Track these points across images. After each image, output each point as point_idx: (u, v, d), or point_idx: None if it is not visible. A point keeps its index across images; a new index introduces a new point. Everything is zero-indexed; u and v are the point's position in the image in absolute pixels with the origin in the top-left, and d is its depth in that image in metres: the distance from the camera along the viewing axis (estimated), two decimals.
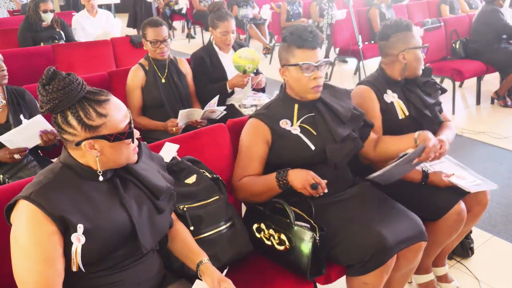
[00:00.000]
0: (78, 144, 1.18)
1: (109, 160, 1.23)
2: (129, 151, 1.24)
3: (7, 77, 2.18)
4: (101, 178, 1.23)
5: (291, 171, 1.66)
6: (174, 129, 2.55)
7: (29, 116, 2.21)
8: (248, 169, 1.77)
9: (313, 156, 1.75)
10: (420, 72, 2.10)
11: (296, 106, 1.81)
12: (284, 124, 1.78)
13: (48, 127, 2.11)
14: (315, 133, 1.77)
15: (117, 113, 1.21)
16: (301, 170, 1.66)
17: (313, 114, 1.81)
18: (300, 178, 1.63)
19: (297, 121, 1.79)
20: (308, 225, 1.63)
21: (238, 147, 1.83)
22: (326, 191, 1.64)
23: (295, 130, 1.77)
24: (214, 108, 2.60)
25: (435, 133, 2.16)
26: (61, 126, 1.18)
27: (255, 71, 3.08)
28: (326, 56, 5.67)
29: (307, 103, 1.82)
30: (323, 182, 1.63)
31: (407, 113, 2.08)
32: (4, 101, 2.16)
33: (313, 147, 1.75)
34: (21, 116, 2.16)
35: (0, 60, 2.16)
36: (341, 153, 1.78)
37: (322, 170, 1.76)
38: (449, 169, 2.01)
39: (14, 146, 2.09)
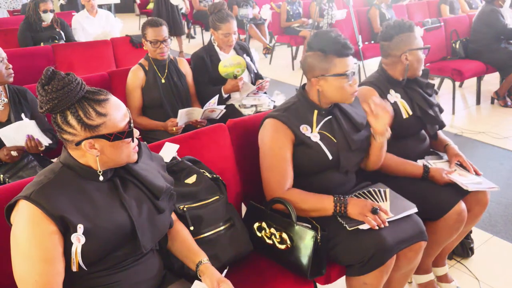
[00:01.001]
0: (78, 144, 1.18)
1: (109, 160, 1.23)
2: (129, 150, 1.24)
3: (13, 74, 2.20)
4: (101, 178, 1.23)
5: (351, 199, 1.67)
6: (174, 128, 2.55)
7: (31, 115, 2.22)
8: (288, 174, 1.72)
9: (329, 164, 1.75)
10: (420, 72, 2.11)
11: (316, 112, 1.78)
12: (305, 130, 1.74)
13: (35, 135, 2.09)
14: (335, 140, 1.76)
15: (117, 112, 1.21)
16: (360, 199, 1.69)
17: (330, 117, 1.79)
18: (358, 206, 1.63)
19: (316, 127, 1.77)
20: (309, 225, 1.63)
21: (263, 151, 1.76)
22: (390, 215, 1.64)
23: (315, 137, 1.74)
24: (214, 107, 2.60)
25: (435, 133, 2.18)
26: (60, 126, 1.18)
27: (256, 71, 3.08)
28: None
29: (324, 109, 1.79)
30: (382, 207, 1.64)
31: (411, 113, 2.08)
32: (6, 99, 2.17)
33: (330, 157, 1.74)
34: (22, 115, 2.17)
35: (5, 58, 2.18)
36: (354, 160, 1.78)
37: (333, 175, 1.78)
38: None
39: (11, 143, 2.09)
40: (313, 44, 1.73)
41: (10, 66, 2.19)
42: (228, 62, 2.77)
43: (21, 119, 2.15)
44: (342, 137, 1.77)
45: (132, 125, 1.24)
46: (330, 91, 1.72)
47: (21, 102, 2.21)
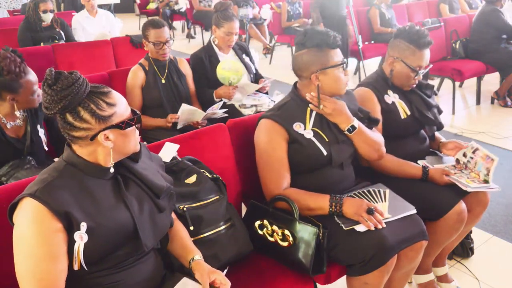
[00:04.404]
0: (93, 138, 1.20)
1: (120, 151, 1.25)
2: (135, 138, 1.29)
3: (40, 101, 2.06)
4: (112, 170, 1.26)
5: (347, 199, 1.67)
6: (173, 120, 2.57)
7: (45, 121, 2.19)
8: (284, 174, 1.74)
9: (324, 160, 1.76)
10: (406, 88, 2.08)
11: (309, 109, 1.80)
12: (298, 127, 1.76)
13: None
14: (327, 139, 1.77)
15: (121, 102, 1.25)
16: (356, 199, 1.69)
17: (322, 116, 1.79)
18: (353, 206, 1.64)
19: (310, 124, 1.78)
20: (310, 224, 1.63)
21: (259, 152, 1.78)
22: (386, 215, 1.64)
23: (308, 134, 1.76)
24: (216, 111, 2.61)
25: (433, 134, 2.18)
26: (73, 124, 1.18)
27: (255, 71, 3.08)
28: None
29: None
30: (379, 207, 1.64)
31: (408, 113, 2.07)
32: (24, 114, 2.11)
33: (325, 152, 1.75)
34: (38, 126, 2.14)
35: (36, 82, 2.01)
36: (345, 153, 1.79)
37: (330, 172, 1.78)
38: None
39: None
40: (306, 41, 1.76)
41: (40, 92, 2.02)
42: (227, 65, 2.74)
43: (37, 131, 2.12)
44: (330, 130, 1.78)
45: (136, 111, 1.29)
46: (330, 83, 1.76)
47: (37, 114, 2.16)
